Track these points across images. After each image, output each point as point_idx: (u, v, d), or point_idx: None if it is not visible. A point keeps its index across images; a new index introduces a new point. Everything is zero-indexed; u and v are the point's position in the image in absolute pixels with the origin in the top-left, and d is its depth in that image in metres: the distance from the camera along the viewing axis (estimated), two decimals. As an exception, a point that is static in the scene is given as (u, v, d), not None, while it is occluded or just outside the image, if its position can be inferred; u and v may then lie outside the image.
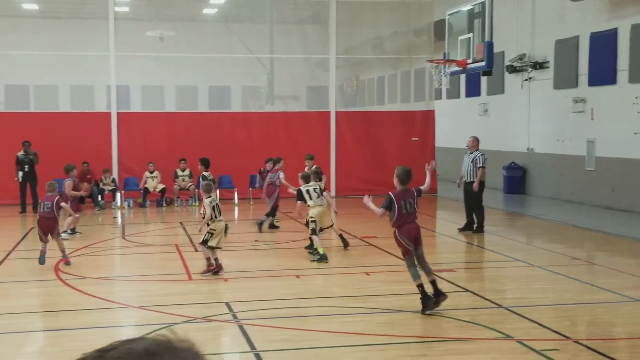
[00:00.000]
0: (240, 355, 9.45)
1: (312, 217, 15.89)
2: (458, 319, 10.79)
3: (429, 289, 11.13)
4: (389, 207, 11.25)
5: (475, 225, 19.41)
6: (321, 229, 16.24)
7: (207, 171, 18.46)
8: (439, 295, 11.11)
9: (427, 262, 11.45)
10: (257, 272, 14.53)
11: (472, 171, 19.25)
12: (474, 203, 19.43)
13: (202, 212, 14.77)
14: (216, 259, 14.18)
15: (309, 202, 16.03)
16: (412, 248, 11.17)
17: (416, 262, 11.29)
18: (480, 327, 10.36)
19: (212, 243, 14.05)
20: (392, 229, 11.38)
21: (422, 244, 11.47)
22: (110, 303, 11.79)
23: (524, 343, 9.56)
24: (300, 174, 16.90)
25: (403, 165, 11.79)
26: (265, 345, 9.54)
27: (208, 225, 14.15)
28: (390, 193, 11.40)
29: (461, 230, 19.52)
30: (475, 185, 19.13)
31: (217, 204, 14.35)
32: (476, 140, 19.71)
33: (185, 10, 29.34)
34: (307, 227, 16.13)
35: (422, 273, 11.28)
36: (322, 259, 15.30)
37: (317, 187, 16.41)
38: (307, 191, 16.14)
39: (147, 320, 10.93)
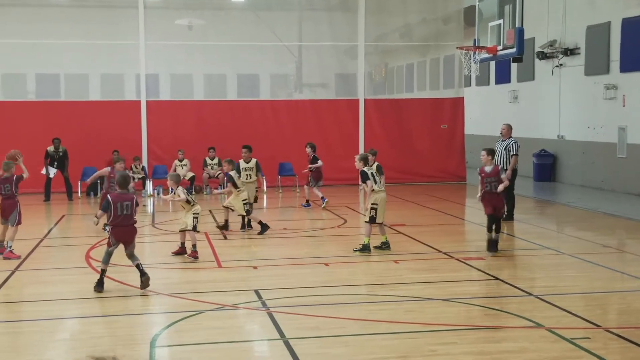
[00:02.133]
0: (269, 343, 9.47)
1: (374, 204, 14.96)
2: (488, 307, 10.75)
3: None
4: None
5: (504, 213, 19.29)
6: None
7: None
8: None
9: None
10: (286, 260, 14.56)
11: (504, 159, 19.12)
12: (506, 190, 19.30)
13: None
14: (183, 243, 14.80)
15: (374, 187, 15.06)
16: None
17: None
18: (510, 316, 10.31)
19: (199, 228, 14.58)
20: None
21: None
22: (139, 290, 11.86)
23: (554, 331, 9.50)
24: (357, 156, 15.78)
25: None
26: (294, 332, 9.56)
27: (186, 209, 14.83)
28: None
29: (510, 218, 19.34)
30: (509, 174, 18.97)
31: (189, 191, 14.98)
32: (509, 128, 19.60)
33: (214, -1, 29.41)
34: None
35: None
36: (364, 250, 15.01)
37: (375, 171, 15.36)
38: (372, 174, 15.17)
39: (176, 307, 10.99)
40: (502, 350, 8.91)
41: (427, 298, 11.28)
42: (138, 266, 11.93)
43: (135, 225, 12.23)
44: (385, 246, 15.12)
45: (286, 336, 9.41)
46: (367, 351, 8.95)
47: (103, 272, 12.00)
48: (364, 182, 15.11)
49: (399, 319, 10.17)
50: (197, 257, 14.44)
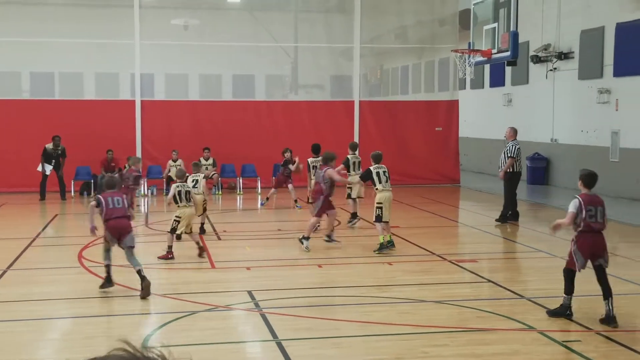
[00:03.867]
0: (262, 344, 9.49)
1: (379, 203, 15.11)
2: (480, 310, 10.78)
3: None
4: None
5: (500, 214, 19.33)
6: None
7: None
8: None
9: None
10: (279, 261, 14.58)
11: (504, 161, 19.23)
12: (504, 192, 19.34)
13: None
14: (170, 247, 14.62)
15: (378, 186, 15.16)
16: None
17: None
18: (502, 318, 10.34)
19: (179, 230, 14.32)
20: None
21: None
22: (133, 291, 11.86)
23: (545, 334, 9.53)
24: (372, 154, 15.80)
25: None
26: (287, 334, 9.57)
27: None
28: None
29: (503, 221, 19.36)
30: (501, 174, 19.07)
31: (186, 191, 14.60)
32: (513, 131, 19.68)
33: (210, -1, 29.42)
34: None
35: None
36: (383, 249, 15.03)
37: (387, 170, 15.53)
38: (377, 173, 15.29)
39: (169, 308, 11.00)
40: (494, 352, 8.94)
41: (420, 300, 11.30)
42: (139, 272, 11.53)
43: (130, 221, 12.16)
44: (389, 244, 15.16)
45: (279, 337, 9.43)
46: (360, 352, 8.97)
47: (107, 267, 11.88)
48: (364, 180, 15.43)
49: (392, 321, 10.20)
50: (170, 258, 14.42)
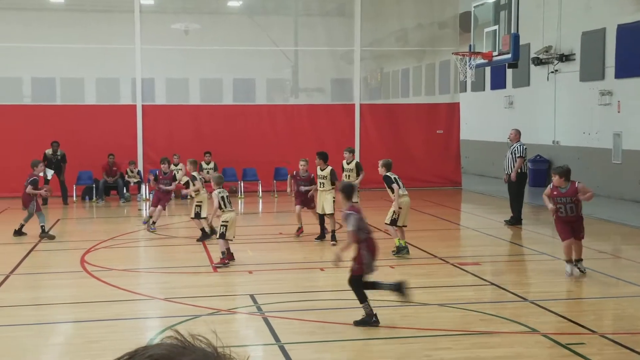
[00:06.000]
0: (264, 348, 9.47)
1: (398, 207, 14.94)
2: (483, 312, 10.76)
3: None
4: None
5: (510, 217, 19.28)
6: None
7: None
8: None
9: None
10: (281, 265, 14.56)
11: (512, 163, 19.16)
12: (512, 194, 19.27)
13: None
14: (228, 249, 14.38)
15: (400, 191, 15.00)
16: None
17: None
18: (505, 321, 10.32)
19: (229, 235, 14.22)
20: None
21: None
22: (135, 295, 11.85)
23: (549, 337, 9.51)
24: (382, 161, 15.62)
25: None
26: (290, 337, 9.56)
27: (219, 217, 14.31)
28: None
29: (507, 223, 19.33)
30: (513, 175, 19.00)
31: (226, 196, 14.51)
32: (517, 133, 19.65)
33: (210, 3, 29.42)
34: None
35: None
36: (401, 251, 14.94)
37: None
38: (396, 178, 15.16)
39: (171, 312, 10.98)
40: (497, 355, 8.92)
41: (422, 303, 11.27)
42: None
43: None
44: (404, 250, 15.14)
45: (281, 341, 9.41)
46: (363, 356, 8.96)
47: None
48: (389, 187, 15.13)
49: (394, 324, 10.17)
50: (226, 264, 14.28)
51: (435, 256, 15.20)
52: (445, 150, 28.82)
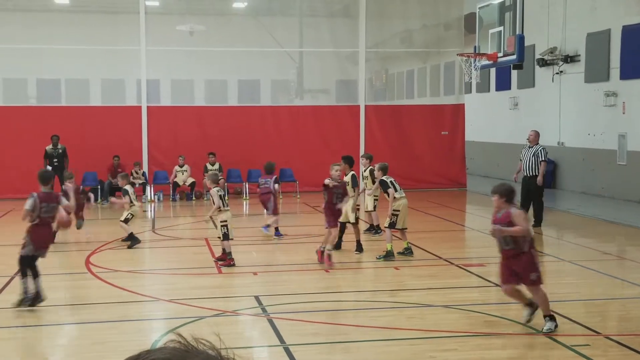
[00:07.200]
0: (269, 349, 9.48)
1: (396, 210, 14.96)
2: (488, 314, 10.75)
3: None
4: None
5: (534, 221, 19.19)
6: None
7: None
8: None
9: None
10: (286, 266, 14.57)
11: (533, 165, 19.00)
12: (534, 198, 19.11)
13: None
14: (229, 253, 14.44)
15: (396, 194, 15.03)
16: None
17: None
18: (510, 322, 10.31)
19: (231, 234, 14.27)
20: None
21: None
22: (140, 296, 11.87)
23: (554, 338, 9.50)
24: (378, 165, 15.65)
25: None
26: (295, 339, 9.56)
27: (217, 216, 14.43)
28: None
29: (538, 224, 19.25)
30: (540, 179, 18.89)
31: (222, 194, 14.55)
32: (537, 135, 19.56)
33: (215, 4, 29.43)
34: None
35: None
36: (389, 256, 14.83)
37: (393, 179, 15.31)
38: (392, 182, 15.17)
39: (176, 313, 10.99)
40: (502, 357, 8.92)
41: (427, 304, 11.28)
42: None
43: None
44: (407, 252, 15.12)
45: (286, 342, 9.41)
46: (368, 357, 8.96)
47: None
48: (385, 191, 15.15)
49: (399, 326, 10.17)
50: (232, 265, 14.30)
51: (440, 257, 15.19)
52: (450, 152, 28.80)
